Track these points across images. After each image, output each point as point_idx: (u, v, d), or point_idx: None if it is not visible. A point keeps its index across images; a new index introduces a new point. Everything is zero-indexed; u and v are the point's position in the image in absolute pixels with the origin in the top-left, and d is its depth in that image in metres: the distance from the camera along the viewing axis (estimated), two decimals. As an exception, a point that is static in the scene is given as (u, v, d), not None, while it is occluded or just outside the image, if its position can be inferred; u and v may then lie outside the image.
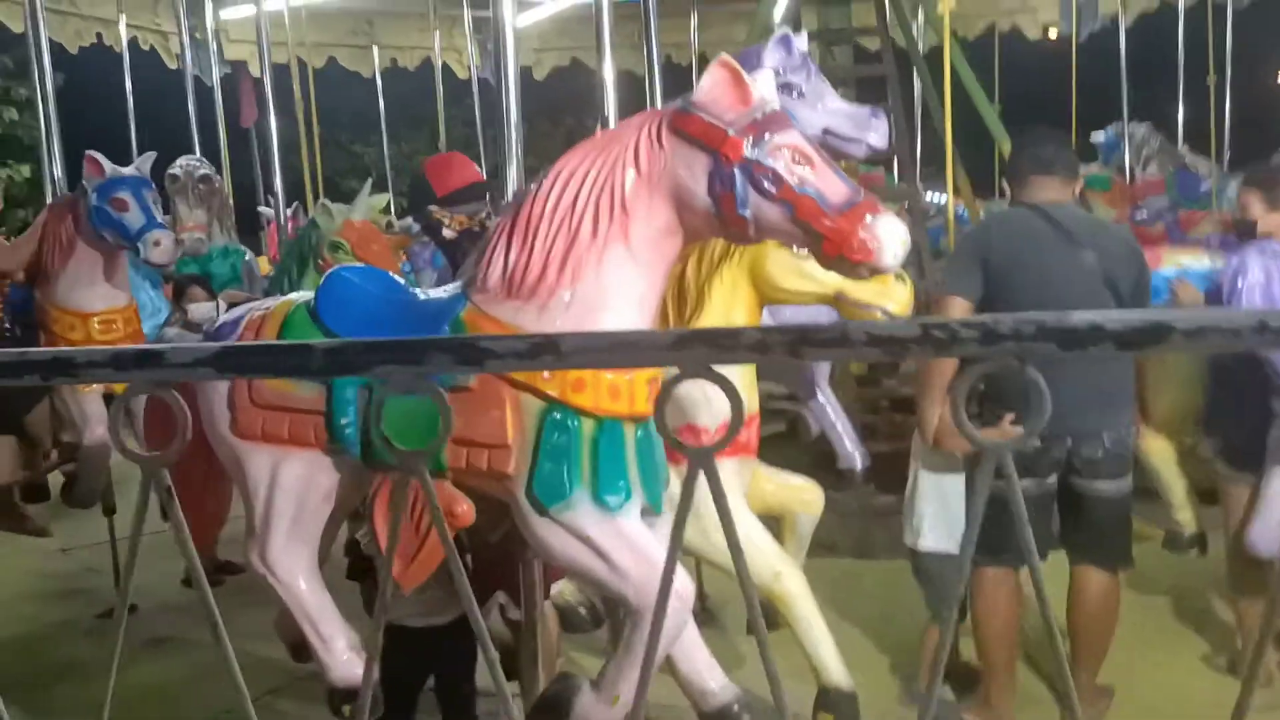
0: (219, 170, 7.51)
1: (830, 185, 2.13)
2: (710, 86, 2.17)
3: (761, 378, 3.35)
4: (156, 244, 4.08)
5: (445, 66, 11.39)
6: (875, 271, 2.15)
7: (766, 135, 2.14)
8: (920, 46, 9.27)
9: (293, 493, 2.54)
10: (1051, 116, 11.96)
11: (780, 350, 0.94)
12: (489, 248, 2.34)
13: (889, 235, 2.10)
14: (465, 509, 2.33)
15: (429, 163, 4.05)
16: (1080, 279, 3.22)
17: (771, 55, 3.82)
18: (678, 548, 1.07)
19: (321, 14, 10.34)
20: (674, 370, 0.97)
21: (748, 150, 2.14)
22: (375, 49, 11.14)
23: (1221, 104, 9.77)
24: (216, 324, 2.86)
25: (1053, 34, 11.80)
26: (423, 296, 2.51)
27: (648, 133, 2.23)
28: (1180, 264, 3.91)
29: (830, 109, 3.78)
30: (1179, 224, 9.13)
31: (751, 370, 3.08)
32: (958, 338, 0.90)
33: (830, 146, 4.07)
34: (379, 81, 11.26)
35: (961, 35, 11.82)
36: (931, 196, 11.53)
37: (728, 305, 3.00)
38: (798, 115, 3.85)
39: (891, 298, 2.98)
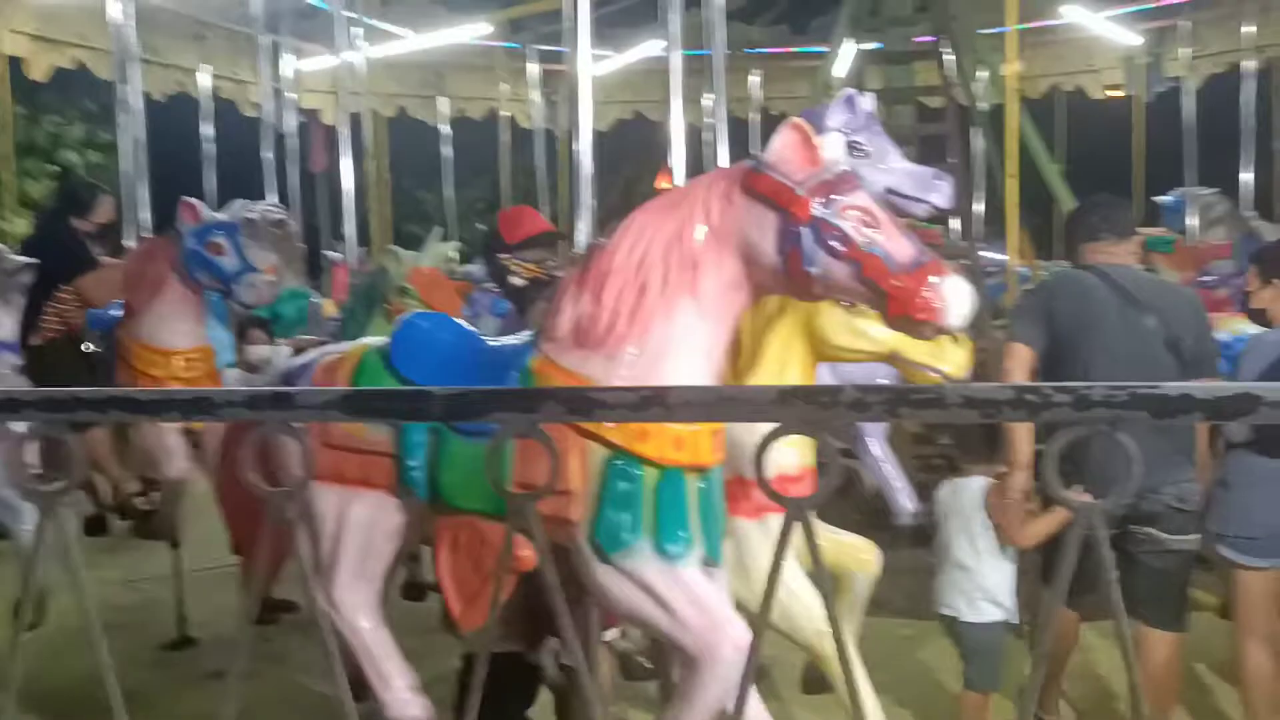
0: (291, 216, 7.74)
1: (896, 245, 2.17)
2: (780, 147, 2.23)
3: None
4: (253, 286, 4.30)
5: (510, 118, 11.65)
6: (939, 331, 2.17)
7: (835, 195, 2.19)
8: (982, 105, 9.33)
9: (359, 532, 2.60)
10: (1115, 178, 11.91)
11: (879, 410, 0.98)
12: (560, 298, 2.40)
13: (954, 295, 2.12)
14: (529, 553, 2.37)
15: (501, 214, 4.19)
16: (1140, 341, 3.26)
17: (836, 115, 3.87)
18: (771, 598, 1.10)
19: (393, 65, 10.66)
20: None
21: (816, 209, 2.18)
22: (443, 99, 11.44)
23: (1290, 169, 9.65)
24: (286, 368, 2.95)
25: (1118, 94, 11.77)
26: (493, 344, 2.57)
27: (720, 190, 2.28)
28: (1236, 330, 3.86)
29: (894, 168, 3.81)
30: (1245, 289, 8.98)
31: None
32: (1051, 402, 0.94)
33: (893, 205, 4.13)
34: (446, 130, 11.55)
35: (1024, 95, 11.85)
36: (991, 254, 11.49)
37: (781, 361, 3.02)
38: (862, 174, 3.93)
39: (947, 359, 2.99)
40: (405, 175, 14.49)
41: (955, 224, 8.87)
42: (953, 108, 7.10)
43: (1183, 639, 3.38)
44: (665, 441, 2.29)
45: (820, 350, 3.05)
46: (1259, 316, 3.55)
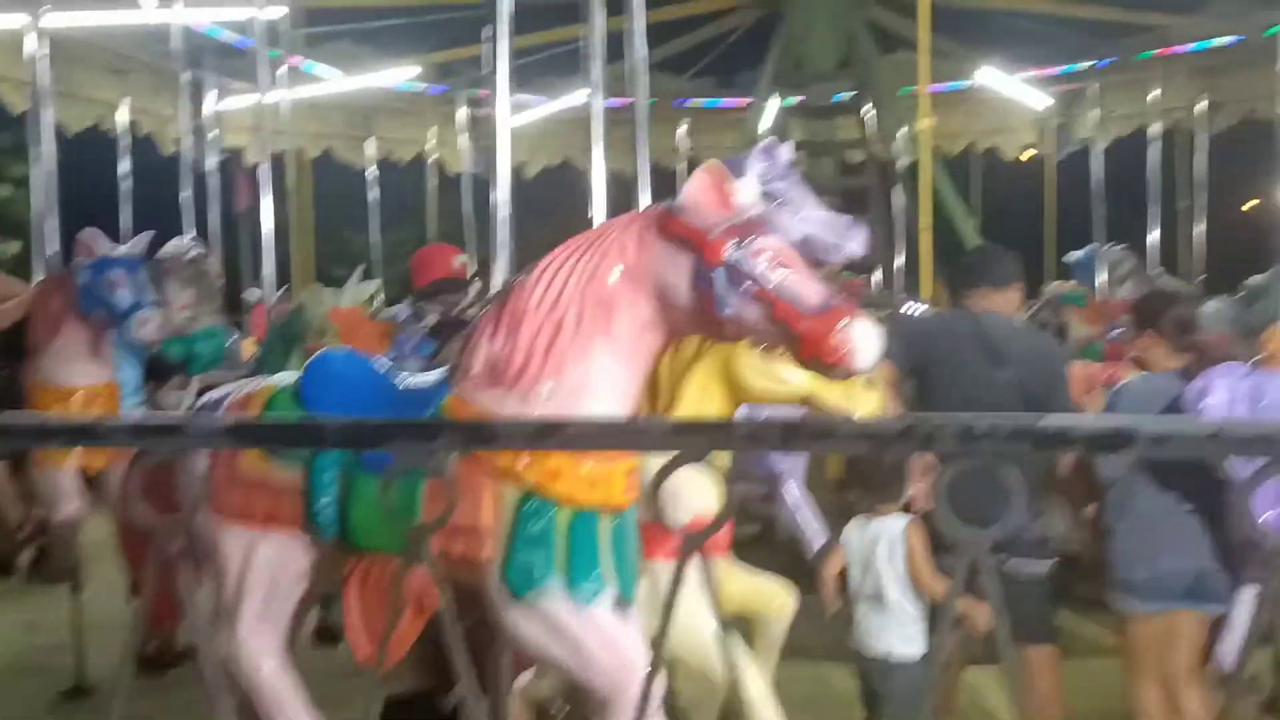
0: (209, 254, 7.61)
1: (807, 289, 2.21)
2: (695, 191, 2.27)
3: (733, 479, 3.38)
4: (144, 323, 4.17)
5: (438, 162, 11.64)
6: (849, 374, 2.21)
7: (747, 239, 2.23)
8: (902, 160, 9.59)
9: (266, 573, 2.54)
10: (1029, 234, 12.30)
11: (773, 441, 0.99)
12: (474, 337, 2.40)
13: (862, 339, 2.17)
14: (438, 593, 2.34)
15: (414, 257, 4.16)
16: (990, 386, 3.49)
17: (756, 164, 3.96)
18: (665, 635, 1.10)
19: (320, 106, 10.60)
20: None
21: (729, 252, 2.22)
22: (370, 141, 11.39)
23: (1193, 229, 10.06)
24: (198, 405, 2.89)
25: (1030, 153, 12.19)
26: (407, 383, 2.55)
27: (635, 231, 2.31)
28: None
29: (811, 216, 3.91)
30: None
31: (721, 462, 3.12)
32: (937, 435, 0.96)
33: (810, 253, 4.21)
34: (373, 172, 11.49)
35: (942, 153, 12.22)
36: (911, 304, 11.73)
37: (699, 403, 3.04)
38: (779, 221, 4.01)
39: (860, 403, 3.05)
40: (332, 217, 14.38)
41: (877, 274, 9.07)
42: (872, 162, 7.28)
43: (1055, 657, 3.50)
44: (578, 481, 2.29)
45: (737, 393, 3.09)
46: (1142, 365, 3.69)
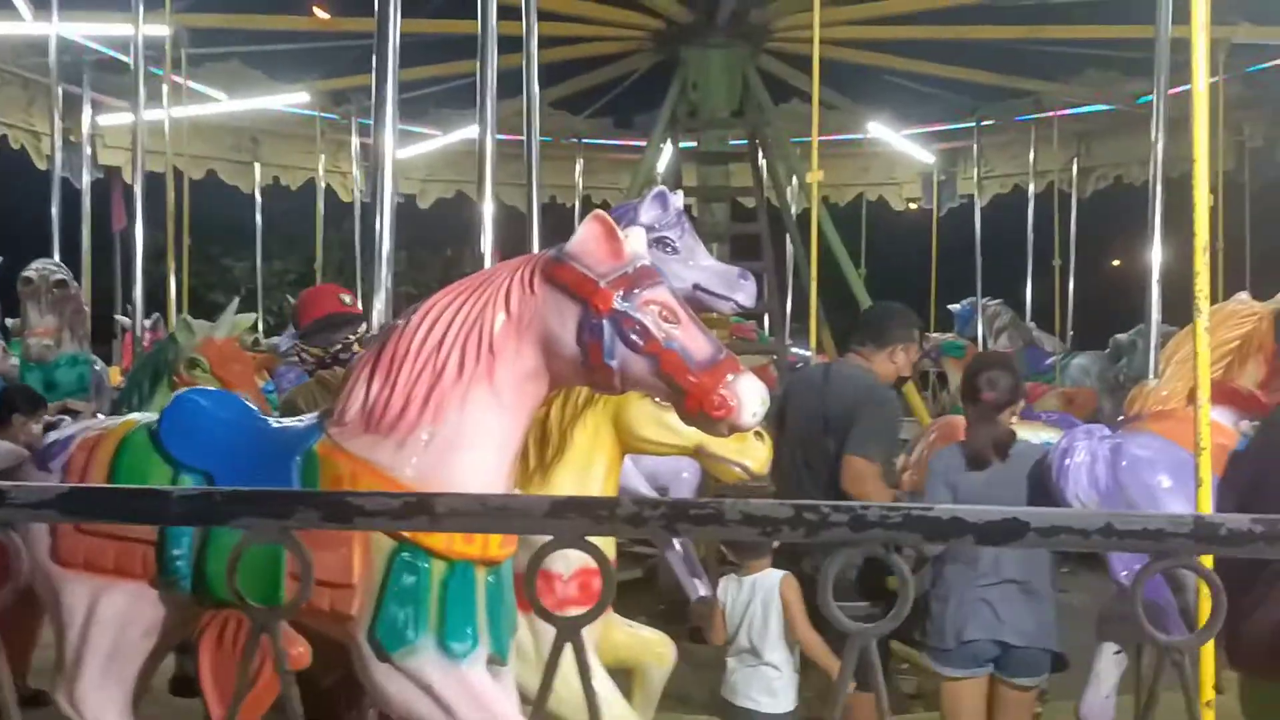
0: (79, 276, 7.25)
1: (695, 342, 2.18)
2: (584, 239, 2.22)
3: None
4: None
5: (329, 189, 11.39)
6: (734, 429, 2.19)
7: (636, 289, 2.19)
8: (793, 209, 9.75)
9: (111, 627, 2.37)
10: (914, 283, 12.66)
11: (656, 524, 0.94)
12: (351, 380, 2.30)
13: (749, 394, 2.15)
14: (301, 651, 2.22)
15: (302, 294, 4.00)
16: (810, 423, 3.76)
17: (648, 211, 3.95)
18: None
19: (205, 126, 10.29)
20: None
21: (617, 302, 2.18)
22: (257, 166, 11.08)
23: (1066, 285, 10.48)
24: (47, 441, 2.70)
25: (913, 206, 12.57)
26: (278, 425, 2.43)
27: (521, 277, 2.26)
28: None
29: (702, 266, 3.91)
30: (1025, 395, 9.59)
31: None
32: (828, 521, 0.92)
33: (700, 302, 4.22)
34: (258, 198, 11.17)
35: (833, 202, 12.51)
36: (799, 350, 11.92)
37: (589, 451, 3.00)
38: (670, 270, 4.00)
39: (750, 455, 3.04)
40: (214, 243, 13.92)
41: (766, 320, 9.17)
42: (764, 209, 7.37)
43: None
44: (455, 534, 2.20)
45: (628, 442, 3.05)
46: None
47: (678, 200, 4.16)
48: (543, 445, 3.00)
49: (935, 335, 10.52)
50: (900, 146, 11.14)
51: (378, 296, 2.78)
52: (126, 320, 8.67)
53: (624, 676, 3.27)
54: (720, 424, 2.17)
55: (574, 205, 11.37)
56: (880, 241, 12.82)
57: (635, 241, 2.28)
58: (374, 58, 3.02)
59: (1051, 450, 3.31)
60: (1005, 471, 3.37)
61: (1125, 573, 3.14)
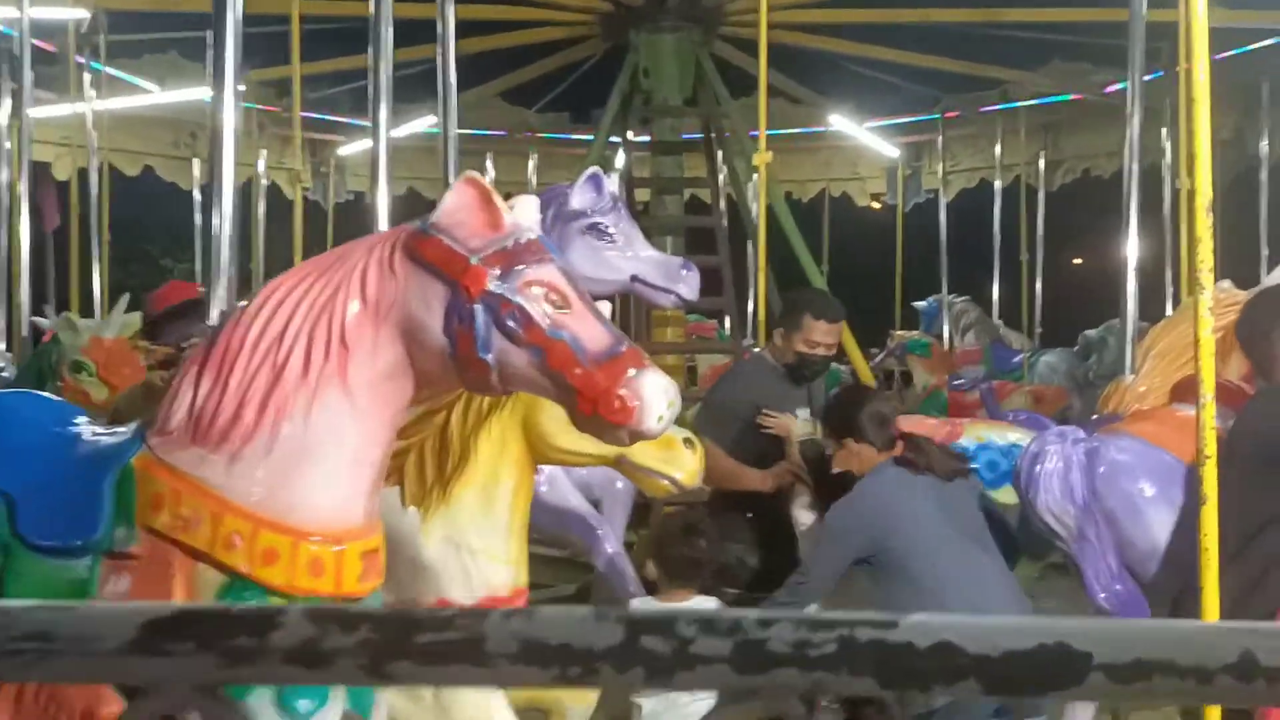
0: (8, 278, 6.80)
1: (589, 331, 1.82)
2: (453, 207, 1.85)
3: (535, 539, 2.94)
4: None
5: (270, 186, 10.93)
6: (636, 435, 1.82)
7: (517, 268, 1.83)
8: (752, 201, 9.42)
9: None
10: (879, 281, 12.36)
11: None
12: (176, 382, 1.91)
13: (653, 394, 1.78)
14: (114, 710, 1.83)
15: (153, 293, 3.60)
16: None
17: (580, 195, 3.60)
18: None
19: (141, 122, 9.83)
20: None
21: (492, 283, 1.81)
22: (196, 162, 10.61)
23: (1033, 281, 10.21)
24: None
25: (876, 204, 12.28)
26: (98, 434, 2.04)
27: (379, 256, 1.88)
28: (981, 437, 3.78)
29: (641, 256, 3.57)
30: (994, 393, 9.35)
31: (520, 535, 2.68)
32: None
33: (640, 295, 3.86)
34: (197, 196, 10.70)
35: (795, 198, 12.19)
36: (755, 348, 11.59)
37: (495, 462, 2.62)
38: (606, 260, 3.64)
39: (679, 465, 2.67)
40: (151, 242, 13.41)
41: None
42: (719, 202, 7.03)
43: None
44: (299, 565, 1.83)
45: (541, 452, 2.68)
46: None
47: (612, 183, 3.81)
48: (442, 456, 2.62)
49: (900, 333, 10.23)
50: (864, 140, 10.83)
51: (217, 285, 2.39)
52: (45, 322, 8.20)
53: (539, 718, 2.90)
54: (619, 430, 1.80)
55: (528, 201, 10.97)
56: (844, 238, 12.53)
57: (522, 211, 1.91)
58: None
59: (1020, 456, 2.95)
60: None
61: (1104, 594, 2.79)
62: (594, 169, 3.61)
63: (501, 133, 10.90)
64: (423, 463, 2.61)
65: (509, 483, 2.64)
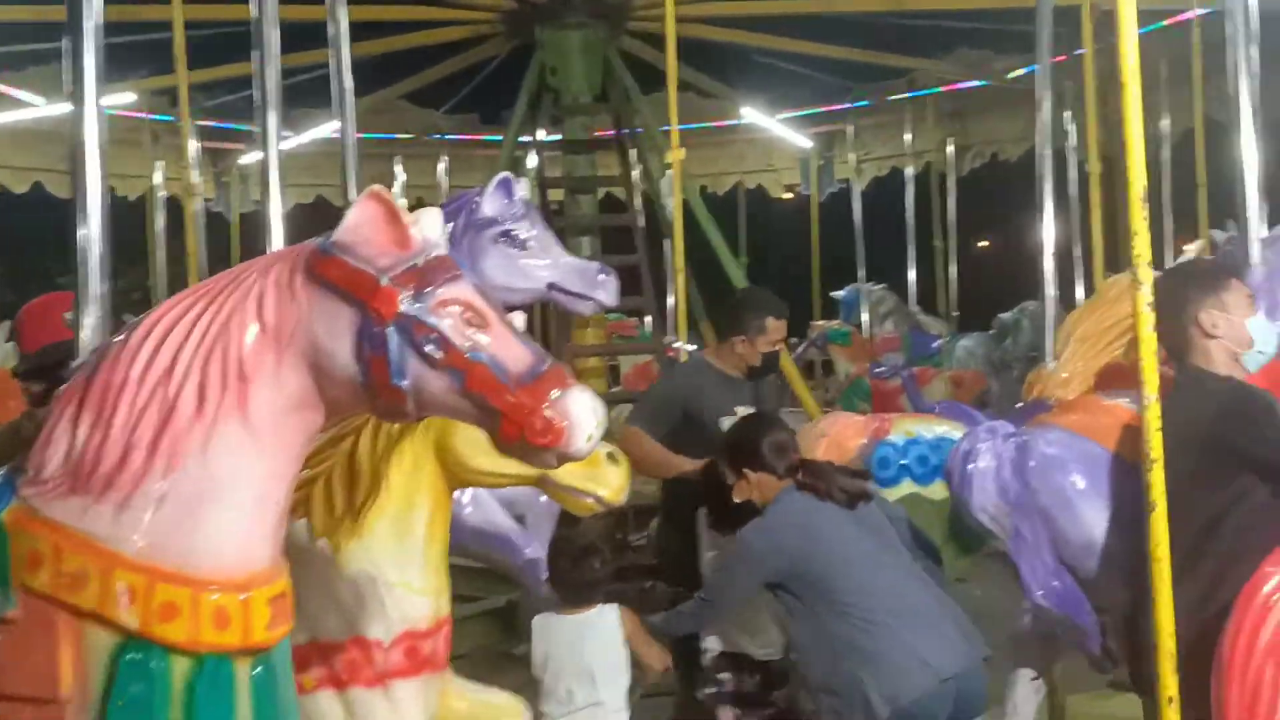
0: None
1: (509, 351, 1.70)
2: (357, 223, 1.72)
3: (458, 553, 2.80)
4: None
5: (168, 198, 10.54)
6: (565, 458, 1.71)
7: (430, 288, 1.70)
8: (667, 198, 9.33)
9: None
10: (796, 271, 12.40)
11: None
12: (50, 423, 1.74)
13: (581, 413, 1.67)
14: None
15: (22, 310, 3.33)
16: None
17: (491, 201, 3.46)
18: None
19: (27, 136, 9.39)
20: None
21: (405, 305, 1.68)
22: (89, 176, 10.16)
23: (947, 266, 10.32)
24: None
25: (789, 195, 12.33)
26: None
27: (278, 277, 1.74)
28: (910, 432, 3.74)
29: (557, 262, 3.46)
30: (915, 379, 9.44)
31: (439, 564, 2.54)
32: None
33: (557, 303, 3.74)
34: (92, 211, 10.25)
35: (710, 191, 12.16)
36: (685, 346, 11.52)
37: (409, 489, 2.48)
38: (521, 268, 3.51)
39: (603, 482, 2.55)
40: (50, 260, 12.83)
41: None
42: (634, 199, 6.93)
43: None
44: (203, 619, 1.68)
45: (458, 475, 2.54)
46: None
47: (524, 188, 3.68)
48: (352, 486, 2.47)
49: (820, 323, 10.26)
50: (777, 132, 10.83)
51: (88, 312, 2.21)
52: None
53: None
54: (547, 453, 1.68)
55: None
56: (760, 230, 12.55)
57: (429, 225, 1.78)
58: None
59: (951, 454, 2.89)
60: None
61: (1041, 592, 2.75)
62: (504, 174, 3.48)
63: (409, 136, 10.67)
64: (331, 492, 2.46)
65: (424, 509, 2.49)
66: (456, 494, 3.19)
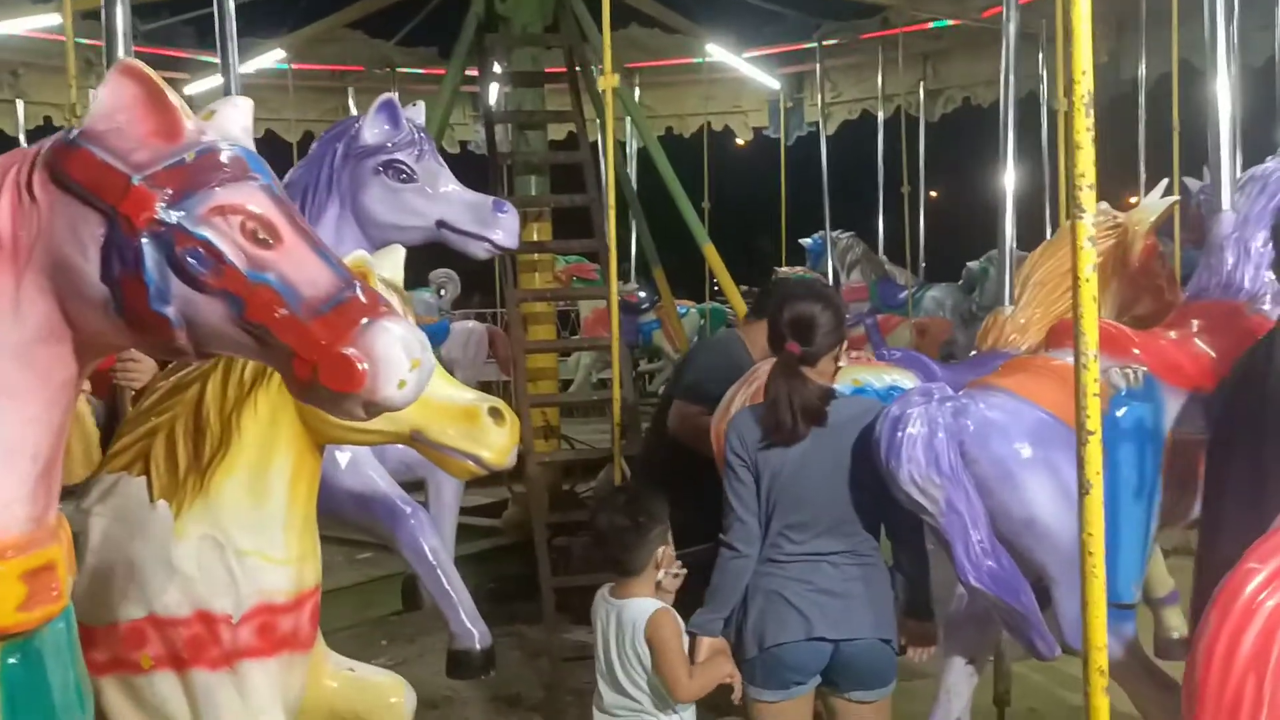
0: None
1: (305, 272, 1.40)
2: (111, 108, 1.40)
3: (327, 527, 2.50)
4: None
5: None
6: (373, 408, 1.40)
7: (199, 190, 1.39)
8: (622, 139, 8.99)
9: None
10: (763, 217, 12.07)
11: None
12: None
13: (390, 351, 1.37)
14: None
15: None
16: None
17: (372, 128, 3.13)
18: None
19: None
20: None
21: (164, 211, 1.37)
22: (20, 104, 9.69)
23: (916, 214, 10.03)
24: None
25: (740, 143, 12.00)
26: None
27: (15, 178, 1.42)
28: (858, 380, 3.45)
29: (448, 197, 3.14)
30: (879, 327, 9.22)
31: (304, 529, 2.25)
32: None
33: (448, 243, 3.42)
34: (24, 143, 9.78)
35: (677, 133, 11.78)
36: (643, 292, 11.25)
37: (264, 445, 2.18)
38: (406, 203, 3.19)
39: (485, 443, 2.25)
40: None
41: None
42: (585, 137, 6.57)
43: None
44: None
45: (321, 430, 2.24)
46: None
47: (417, 114, 3.35)
48: (198, 439, 2.18)
49: (785, 270, 9.97)
50: (744, 71, 10.44)
51: None
52: None
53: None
54: (349, 400, 1.38)
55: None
56: (727, 174, 12.20)
57: (224, 117, 1.47)
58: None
59: (880, 420, 2.59)
60: (826, 440, 2.69)
61: (975, 573, 2.48)
62: (386, 96, 3.17)
63: (356, 69, 10.23)
64: (174, 447, 2.17)
65: (283, 468, 2.20)
66: (336, 454, 2.91)
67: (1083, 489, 1.79)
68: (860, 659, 2.66)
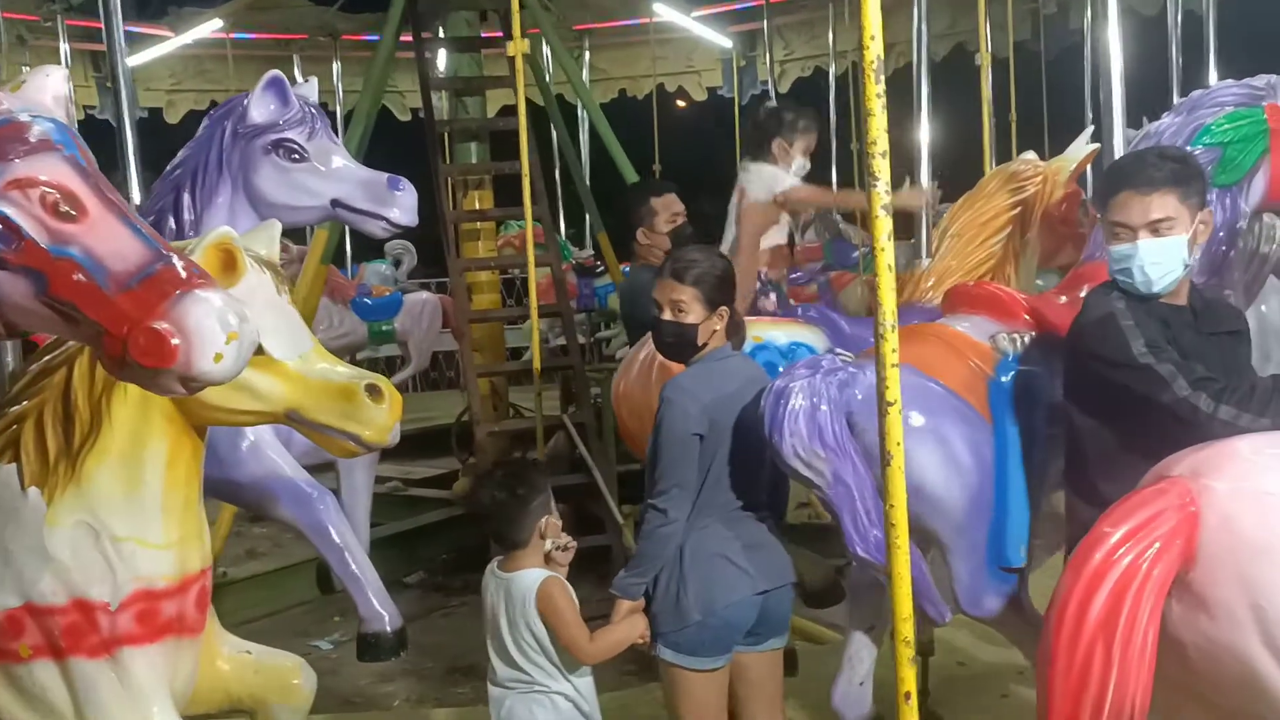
0: None
1: (112, 244, 1.37)
2: None
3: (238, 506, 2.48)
4: None
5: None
6: (191, 382, 1.37)
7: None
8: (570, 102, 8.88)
9: None
10: (717, 177, 11.96)
11: None
12: None
13: (204, 324, 1.35)
14: None
15: None
16: None
17: (260, 105, 3.05)
18: None
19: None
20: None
21: None
22: (-45, 83, 9.47)
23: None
24: None
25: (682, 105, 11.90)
26: None
27: None
28: (759, 338, 3.38)
29: (340, 175, 3.08)
30: (831, 284, 9.21)
31: (185, 512, 2.22)
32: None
33: (345, 222, 3.35)
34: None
35: (630, 95, 11.67)
36: (584, 254, 11.18)
37: (136, 428, 2.15)
38: (297, 182, 3.11)
39: (364, 420, 2.21)
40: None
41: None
42: (525, 103, 6.48)
43: None
44: None
45: (194, 412, 2.20)
46: None
47: (310, 90, 3.28)
48: (67, 425, 2.15)
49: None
50: (695, 31, 10.35)
51: None
52: None
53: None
54: (163, 376, 1.36)
55: (335, 111, 10.16)
56: (679, 136, 12.11)
57: (37, 85, 1.44)
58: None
59: (765, 394, 2.56)
60: (733, 403, 2.66)
61: (861, 545, 2.47)
62: (273, 73, 3.09)
63: (298, 37, 10.07)
64: (43, 433, 2.13)
65: (158, 452, 2.17)
66: (236, 438, 2.87)
67: (884, 459, 1.79)
68: (782, 606, 2.70)
